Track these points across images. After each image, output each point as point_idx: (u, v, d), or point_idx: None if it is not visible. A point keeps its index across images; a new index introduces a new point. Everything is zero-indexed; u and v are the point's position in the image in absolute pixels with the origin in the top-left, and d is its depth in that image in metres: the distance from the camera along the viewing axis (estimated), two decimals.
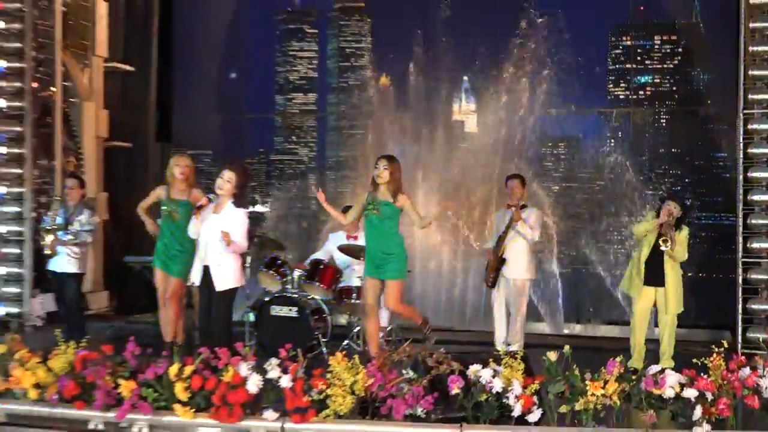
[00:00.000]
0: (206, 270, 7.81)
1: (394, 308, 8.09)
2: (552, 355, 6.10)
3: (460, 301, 12.81)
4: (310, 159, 15.24)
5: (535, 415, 5.93)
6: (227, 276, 7.79)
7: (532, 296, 10.65)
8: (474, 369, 6.02)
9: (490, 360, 6.12)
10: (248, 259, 9.22)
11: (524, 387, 5.95)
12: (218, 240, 7.69)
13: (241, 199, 7.95)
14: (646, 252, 8.43)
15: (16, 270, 11.32)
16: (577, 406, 5.90)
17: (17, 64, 11.30)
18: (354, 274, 9.59)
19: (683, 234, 8.39)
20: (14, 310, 11.29)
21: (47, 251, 9.50)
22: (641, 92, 14.40)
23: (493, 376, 5.97)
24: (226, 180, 7.82)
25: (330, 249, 10.10)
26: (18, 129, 11.30)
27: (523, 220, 8.95)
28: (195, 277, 7.93)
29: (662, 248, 8.26)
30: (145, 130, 14.17)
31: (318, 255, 10.09)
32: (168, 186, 8.54)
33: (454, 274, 12.95)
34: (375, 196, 7.98)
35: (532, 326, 11.66)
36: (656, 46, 14.54)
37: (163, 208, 8.52)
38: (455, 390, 5.93)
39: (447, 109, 13.79)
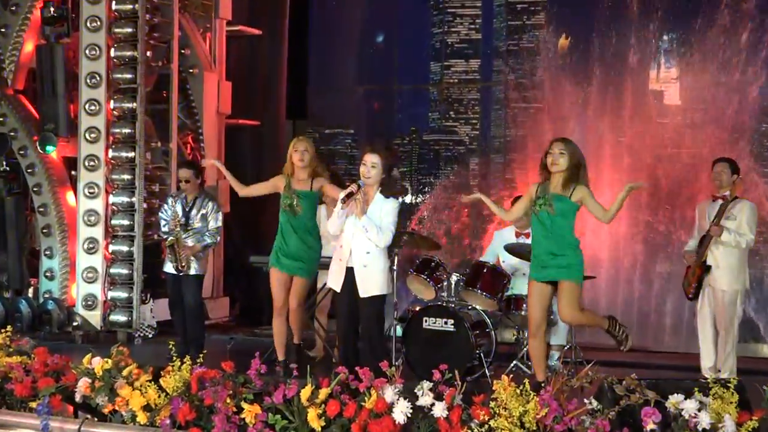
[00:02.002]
0: (349, 274, 7.86)
1: (570, 317, 7.88)
2: None
3: (656, 315, 12.53)
4: (471, 139, 15.06)
5: None
6: (374, 279, 7.82)
7: (747, 311, 10.35)
8: (674, 400, 5.88)
9: (695, 389, 5.95)
10: (395, 260, 9.24)
11: (739, 424, 5.76)
12: (364, 235, 7.76)
13: (389, 186, 7.95)
14: None
15: (124, 271, 11.64)
16: None
17: (129, 30, 11.59)
18: (525, 279, 9.44)
19: None
20: (122, 317, 11.62)
21: (174, 265, 9.85)
22: None
23: (699, 409, 5.81)
24: (370, 166, 7.84)
25: (496, 249, 10.15)
26: (129, 105, 11.61)
27: (727, 229, 8.73)
28: (335, 282, 7.96)
29: None
30: (276, 105, 14.41)
31: (483, 257, 10.10)
32: (288, 175, 8.64)
33: (648, 282, 12.68)
34: (547, 187, 7.85)
35: (749, 348, 11.40)
36: None
37: (284, 200, 8.61)
38: (650, 425, 5.79)
39: (641, 77, 13.47)
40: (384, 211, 7.82)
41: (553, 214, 7.72)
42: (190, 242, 9.83)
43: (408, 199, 14.57)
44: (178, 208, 9.89)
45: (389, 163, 7.92)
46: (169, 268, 9.96)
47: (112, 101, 11.64)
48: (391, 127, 15.28)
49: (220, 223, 10.02)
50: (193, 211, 9.91)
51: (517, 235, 10.06)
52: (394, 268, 9.17)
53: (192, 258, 9.82)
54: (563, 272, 7.73)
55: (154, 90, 12.20)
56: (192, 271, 9.87)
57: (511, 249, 9.67)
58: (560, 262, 7.73)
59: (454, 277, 9.65)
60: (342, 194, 7.82)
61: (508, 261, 9.86)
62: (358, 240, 7.83)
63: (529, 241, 9.59)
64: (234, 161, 13.35)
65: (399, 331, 9.46)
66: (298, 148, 8.56)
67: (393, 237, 7.91)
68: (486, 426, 5.84)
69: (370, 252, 7.82)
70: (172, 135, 12.35)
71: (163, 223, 10.08)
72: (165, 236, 10.02)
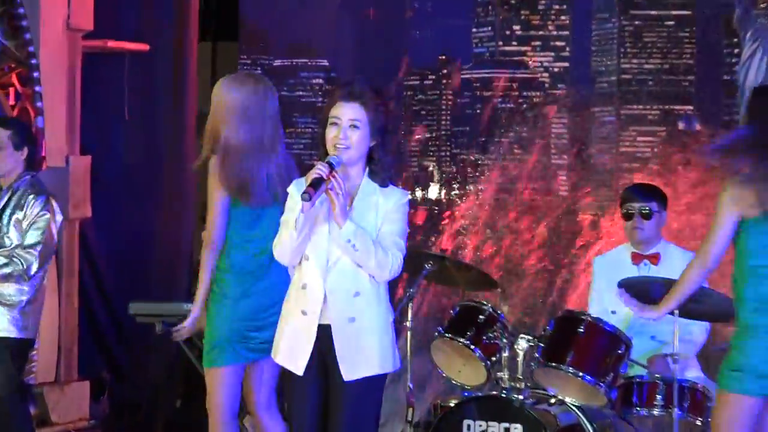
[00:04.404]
0: (323, 338, 7.53)
1: None
2: None
3: None
4: (554, 78, 14.96)
5: None
6: (370, 346, 7.53)
7: None
8: None
9: None
10: (408, 309, 9.48)
11: None
12: (351, 258, 7.38)
13: (383, 163, 7.52)
14: None
15: None
16: None
17: None
18: (653, 344, 9.67)
19: None
20: None
21: None
22: None
23: None
24: (348, 125, 7.37)
25: (603, 289, 9.90)
26: None
27: None
28: (293, 359, 7.60)
29: None
30: (180, 17, 14.46)
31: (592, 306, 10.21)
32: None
33: None
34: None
35: None
36: None
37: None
38: None
39: None
40: (384, 211, 7.53)
41: None
42: None
43: (432, 192, 14.27)
44: None
45: (379, 123, 7.47)
46: None
47: None
48: (399, 55, 15.20)
49: (40, 237, 9.70)
50: (6, 212, 9.65)
51: (636, 259, 10.00)
52: (408, 323, 9.35)
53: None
54: None
55: None
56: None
57: (630, 286, 9.09)
58: None
59: (522, 344, 9.43)
60: (306, 181, 7.38)
61: (621, 310, 9.56)
62: (339, 272, 7.42)
63: (657, 270, 9.78)
64: (100, 119, 13.48)
65: None
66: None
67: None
68: None
69: (361, 293, 7.50)
70: None
71: None
72: None
